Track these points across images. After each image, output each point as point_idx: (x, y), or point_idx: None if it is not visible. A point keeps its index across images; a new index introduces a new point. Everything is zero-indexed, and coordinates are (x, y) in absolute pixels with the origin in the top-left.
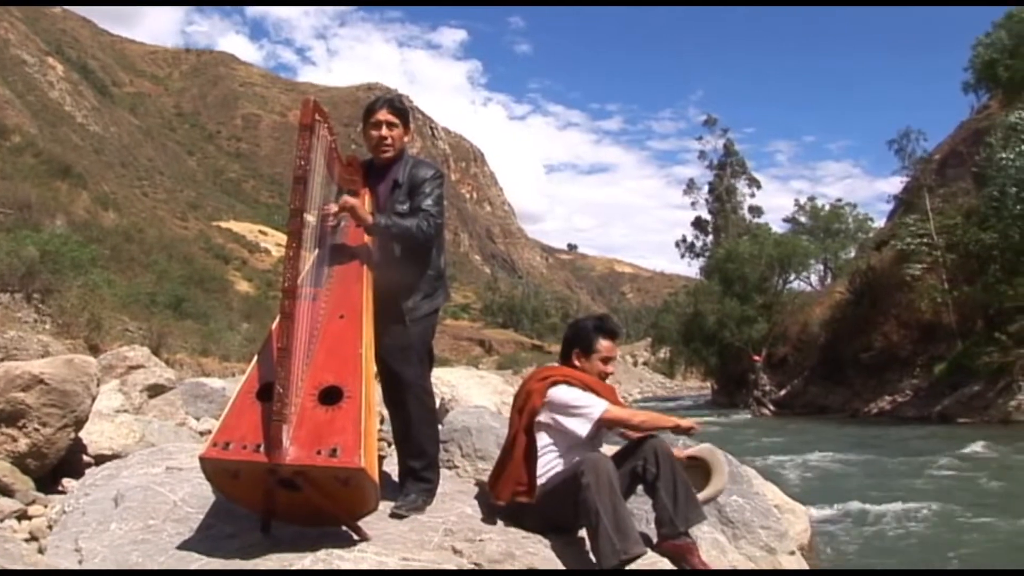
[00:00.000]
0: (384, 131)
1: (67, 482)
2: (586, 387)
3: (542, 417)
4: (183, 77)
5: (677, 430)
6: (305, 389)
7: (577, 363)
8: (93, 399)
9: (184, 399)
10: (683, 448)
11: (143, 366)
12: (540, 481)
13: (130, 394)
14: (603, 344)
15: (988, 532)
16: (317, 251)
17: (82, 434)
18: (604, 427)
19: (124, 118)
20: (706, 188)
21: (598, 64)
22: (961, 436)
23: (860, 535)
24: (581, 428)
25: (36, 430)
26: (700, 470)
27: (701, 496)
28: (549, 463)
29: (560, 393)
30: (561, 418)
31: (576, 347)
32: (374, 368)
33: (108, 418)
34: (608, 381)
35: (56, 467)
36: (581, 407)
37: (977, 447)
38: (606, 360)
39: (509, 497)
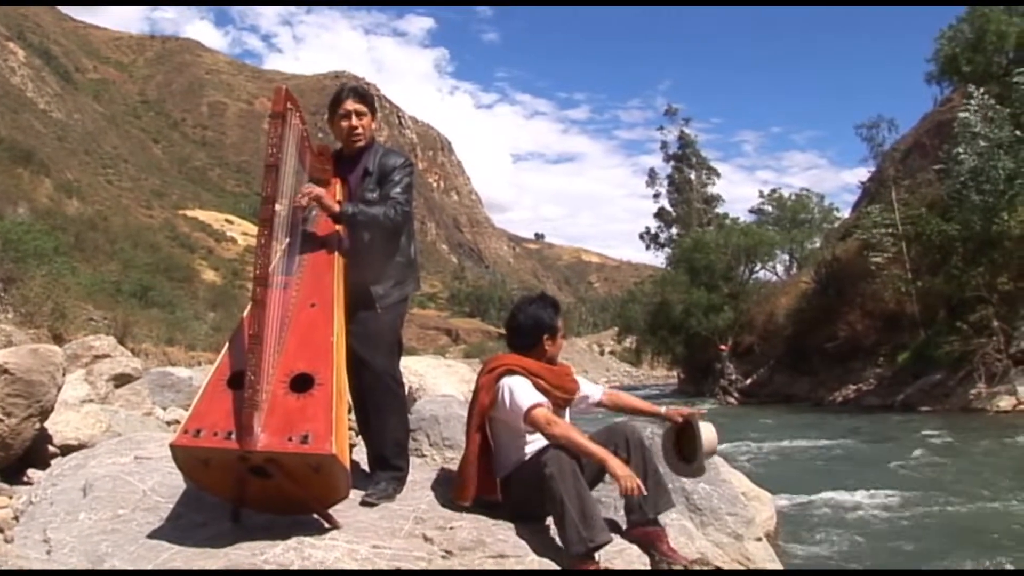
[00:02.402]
0: (354, 120)
1: (33, 473)
2: (531, 374)
3: (494, 412)
4: (148, 64)
5: (602, 464)
6: (276, 377)
7: (548, 348)
8: (59, 389)
9: (151, 389)
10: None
11: (109, 355)
12: (502, 472)
13: (96, 384)
14: (560, 323)
15: (949, 518)
16: (288, 240)
17: (48, 424)
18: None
19: (88, 105)
20: (666, 179)
21: (566, 53)
22: (923, 424)
23: (824, 522)
24: (516, 422)
25: (0, 420)
26: (688, 434)
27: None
28: (512, 453)
29: (504, 384)
30: (504, 412)
31: (545, 333)
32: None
33: (74, 408)
34: (575, 372)
35: (21, 458)
36: (514, 402)
37: (938, 435)
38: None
39: (472, 498)
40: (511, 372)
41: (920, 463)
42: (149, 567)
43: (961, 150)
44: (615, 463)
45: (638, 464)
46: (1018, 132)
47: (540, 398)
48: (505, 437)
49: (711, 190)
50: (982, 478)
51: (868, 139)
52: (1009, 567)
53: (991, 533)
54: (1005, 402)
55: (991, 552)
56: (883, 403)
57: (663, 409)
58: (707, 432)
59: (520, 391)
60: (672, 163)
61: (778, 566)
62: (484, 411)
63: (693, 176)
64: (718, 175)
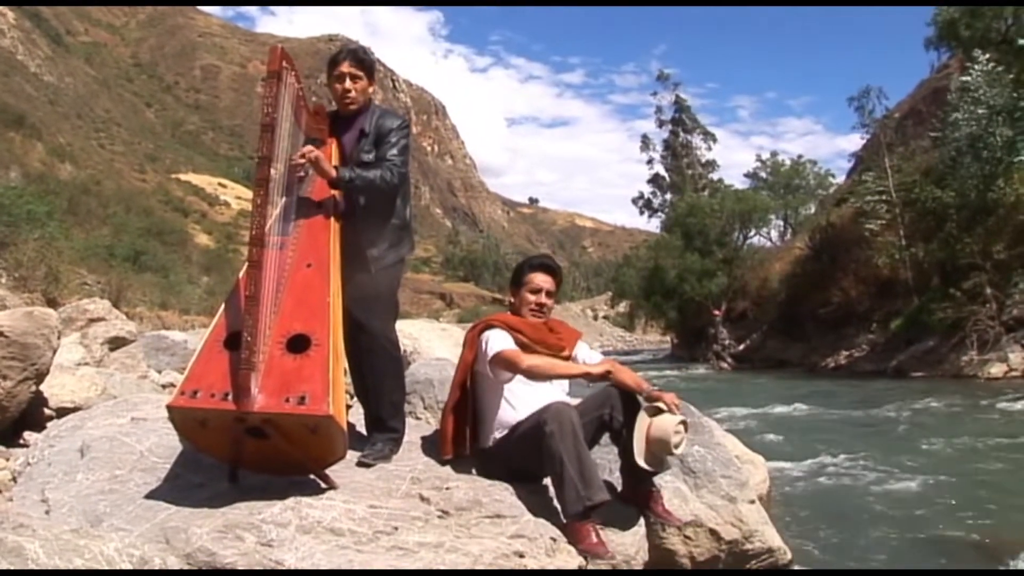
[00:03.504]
0: (348, 83)
1: (29, 435)
2: (510, 328)
3: (478, 367)
4: (140, 26)
5: (588, 377)
6: (273, 337)
7: (512, 300)
8: (54, 352)
9: (146, 352)
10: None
11: (104, 319)
12: (497, 431)
13: (91, 347)
14: (531, 276)
15: (939, 483)
16: (284, 200)
17: (43, 387)
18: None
19: (79, 68)
20: (661, 144)
21: (561, 16)
22: (915, 390)
23: (817, 486)
24: (485, 369)
25: None
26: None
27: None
28: (506, 412)
29: (483, 338)
30: (484, 365)
31: (512, 285)
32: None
33: (69, 371)
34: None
35: (17, 420)
36: (487, 352)
37: (930, 401)
38: (535, 291)
39: (451, 451)
40: (490, 326)
41: (911, 429)
42: (147, 526)
43: (960, 115)
44: (597, 369)
45: (631, 428)
46: (1016, 95)
47: (510, 345)
48: (494, 395)
49: (708, 155)
50: (971, 444)
51: (859, 108)
52: (999, 539)
53: (979, 498)
54: (996, 369)
55: (979, 517)
56: (876, 369)
57: (647, 388)
58: (659, 426)
59: (493, 341)
60: (668, 128)
61: (771, 529)
62: (467, 366)
63: (689, 141)
64: (715, 140)
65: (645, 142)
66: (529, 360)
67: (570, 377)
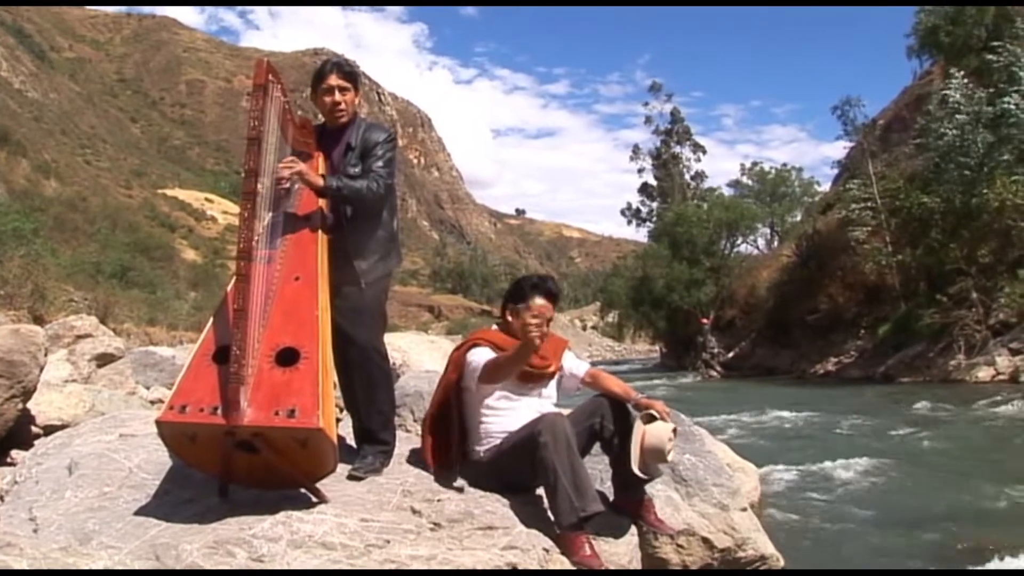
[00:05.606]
0: (337, 96)
1: (16, 453)
2: (495, 347)
3: (465, 383)
4: (124, 42)
5: (524, 351)
6: (262, 351)
7: (509, 317)
8: (41, 369)
9: (134, 368)
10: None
11: (91, 335)
12: (489, 443)
13: (78, 364)
14: (536, 302)
15: (930, 487)
16: (271, 213)
17: (30, 405)
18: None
19: (64, 84)
20: (651, 153)
21: (544, 27)
22: (903, 395)
23: (808, 492)
24: (471, 385)
25: None
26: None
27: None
28: (494, 425)
29: (468, 357)
30: (471, 382)
31: (510, 301)
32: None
33: (56, 388)
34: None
35: (4, 438)
36: (473, 370)
37: (918, 406)
38: (535, 316)
39: (433, 461)
40: (476, 345)
41: (900, 434)
42: (136, 543)
43: (942, 124)
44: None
45: (624, 435)
46: (992, 108)
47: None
48: (484, 408)
49: (697, 167)
50: (961, 448)
51: (842, 117)
52: (988, 543)
53: (970, 501)
54: (984, 372)
55: (970, 519)
56: (864, 375)
57: (635, 397)
58: (654, 434)
59: (477, 359)
60: (661, 138)
61: (763, 536)
62: (449, 386)
63: (679, 152)
64: (704, 151)
65: (636, 151)
66: (483, 379)
67: (517, 361)
